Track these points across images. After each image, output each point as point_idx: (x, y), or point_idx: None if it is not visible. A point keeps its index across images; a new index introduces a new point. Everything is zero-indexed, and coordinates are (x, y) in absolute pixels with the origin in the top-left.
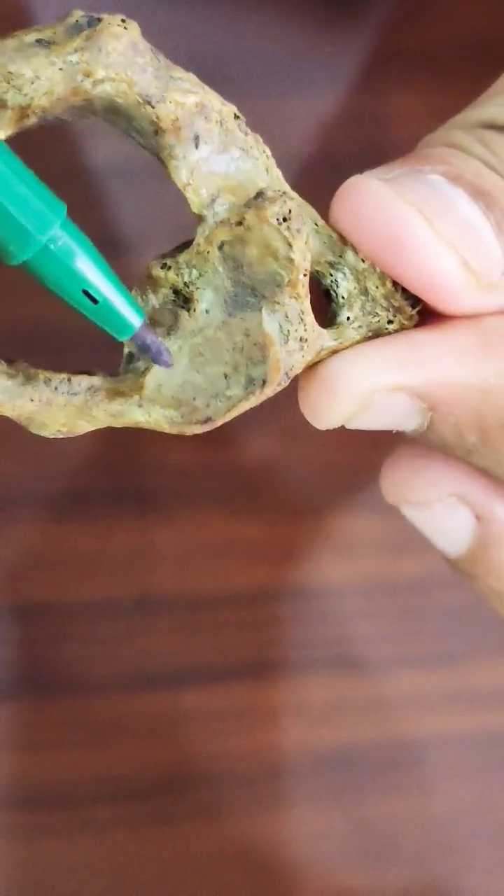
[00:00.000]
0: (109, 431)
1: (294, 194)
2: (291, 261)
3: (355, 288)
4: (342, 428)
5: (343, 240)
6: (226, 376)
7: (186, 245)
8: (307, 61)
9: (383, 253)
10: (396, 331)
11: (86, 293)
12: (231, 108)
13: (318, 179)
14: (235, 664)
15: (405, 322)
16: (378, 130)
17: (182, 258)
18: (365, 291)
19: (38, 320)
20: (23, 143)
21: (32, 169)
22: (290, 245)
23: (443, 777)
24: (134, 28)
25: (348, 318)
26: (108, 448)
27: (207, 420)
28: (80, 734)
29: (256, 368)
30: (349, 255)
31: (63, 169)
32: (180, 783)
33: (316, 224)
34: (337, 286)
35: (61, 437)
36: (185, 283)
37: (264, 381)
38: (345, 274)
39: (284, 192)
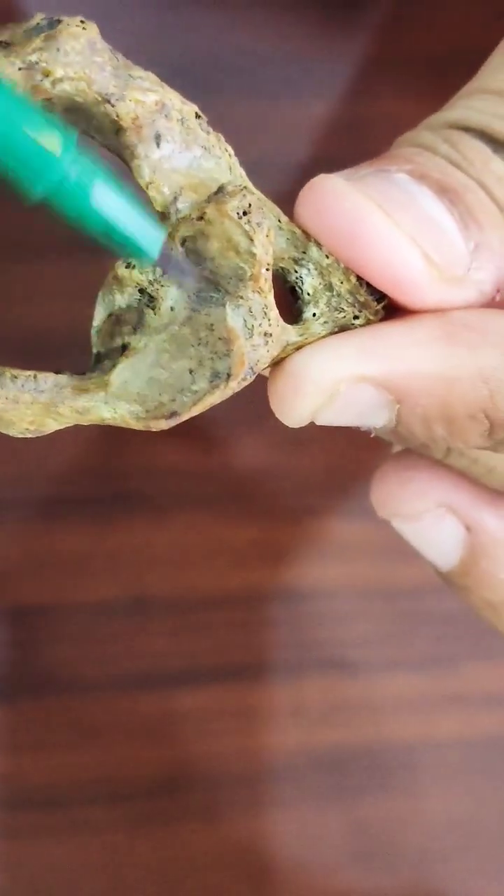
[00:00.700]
0: (104, 435)
1: (255, 190)
2: (253, 255)
3: (320, 284)
4: (335, 432)
5: (307, 236)
6: (191, 371)
7: None
8: (301, 67)
9: (345, 247)
10: (363, 326)
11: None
12: (192, 107)
13: None
14: (231, 666)
15: (371, 317)
16: (371, 135)
17: None
18: (330, 287)
19: (7, 324)
20: None
21: None
22: (250, 239)
23: (438, 779)
24: (92, 28)
25: (314, 315)
26: (103, 451)
27: (173, 414)
28: (76, 735)
29: (221, 362)
30: (313, 250)
31: None
32: (176, 784)
33: (279, 221)
34: (302, 283)
35: (29, 436)
36: (149, 282)
37: (229, 375)
38: (309, 270)
39: (245, 187)
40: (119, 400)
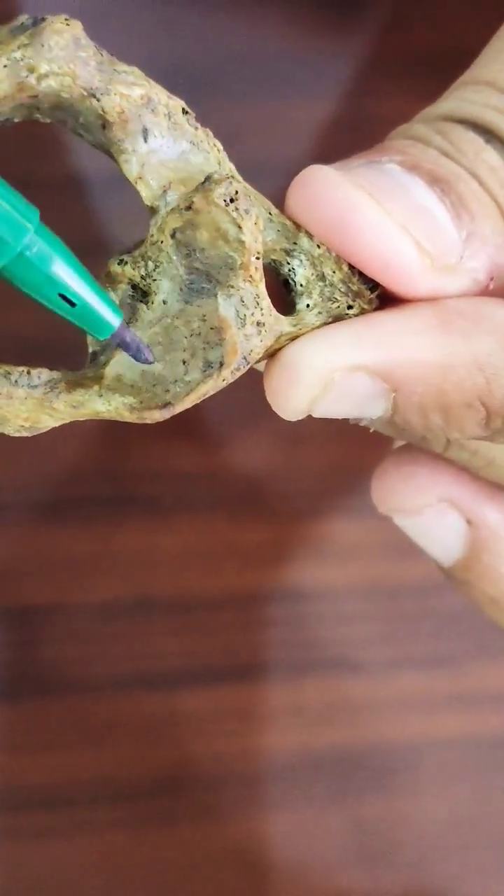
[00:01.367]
0: (107, 437)
1: (242, 180)
2: (242, 242)
3: (312, 274)
4: (336, 431)
5: (297, 227)
6: (184, 362)
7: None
8: (303, 65)
9: (335, 236)
10: (357, 315)
11: (63, 297)
12: (179, 102)
13: None
14: (234, 666)
15: (365, 306)
16: (371, 135)
17: (137, 251)
18: (322, 277)
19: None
20: None
21: (3, 176)
22: (238, 226)
23: (440, 779)
24: (76, 25)
25: (308, 305)
26: (105, 453)
27: (167, 405)
28: (77, 735)
29: (214, 352)
30: (304, 240)
31: (36, 175)
32: (178, 784)
33: (270, 213)
34: (294, 274)
35: (25, 434)
36: (142, 277)
37: (221, 364)
38: (301, 261)
39: (232, 176)
40: (113, 393)
